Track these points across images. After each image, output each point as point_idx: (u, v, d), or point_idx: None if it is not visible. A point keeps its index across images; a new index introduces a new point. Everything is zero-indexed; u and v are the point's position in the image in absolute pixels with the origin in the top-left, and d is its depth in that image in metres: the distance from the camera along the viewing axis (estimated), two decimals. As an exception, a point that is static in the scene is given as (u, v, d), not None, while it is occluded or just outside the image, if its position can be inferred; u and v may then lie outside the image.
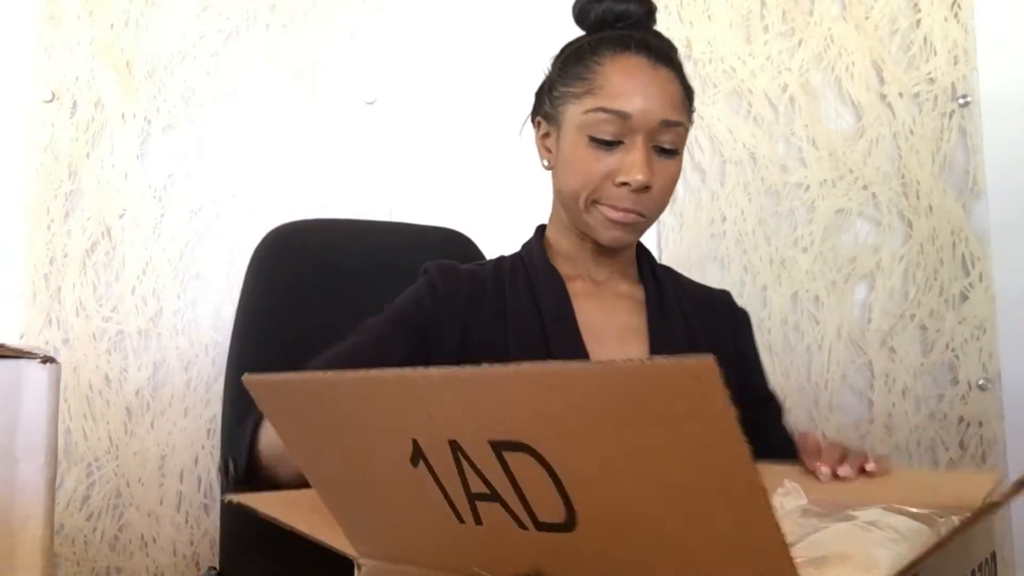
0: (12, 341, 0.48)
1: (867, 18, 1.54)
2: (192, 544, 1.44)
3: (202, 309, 1.49)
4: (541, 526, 0.38)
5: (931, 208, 1.50)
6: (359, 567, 0.48)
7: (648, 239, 1.51)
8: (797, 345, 1.50)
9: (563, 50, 0.95)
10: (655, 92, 0.85)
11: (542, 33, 1.49)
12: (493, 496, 0.39)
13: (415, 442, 0.40)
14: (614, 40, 0.89)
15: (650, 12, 0.94)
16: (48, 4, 1.52)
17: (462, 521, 0.41)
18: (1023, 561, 1.41)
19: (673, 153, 0.87)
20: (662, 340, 0.91)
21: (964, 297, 1.49)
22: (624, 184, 0.85)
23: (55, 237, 1.49)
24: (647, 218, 0.88)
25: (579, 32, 0.94)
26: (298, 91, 1.53)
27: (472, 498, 0.40)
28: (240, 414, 1.10)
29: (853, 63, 1.53)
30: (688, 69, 0.94)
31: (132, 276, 1.49)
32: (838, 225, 1.52)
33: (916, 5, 1.54)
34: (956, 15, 1.53)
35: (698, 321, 0.95)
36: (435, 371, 0.37)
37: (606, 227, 0.88)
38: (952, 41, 1.52)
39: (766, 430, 0.93)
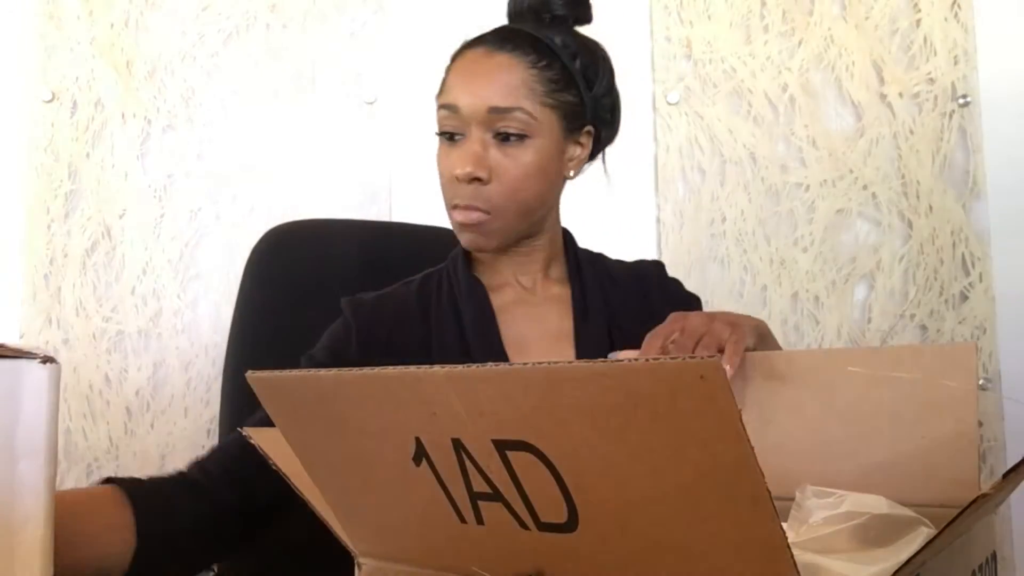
0: (12, 341, 0.48)
1: (867, 18, 1.54)
2: (192, 544, 1.44)
3: (202, 309, 1.49)
4: (543, 526, 0.38)
5: (931, 208, 1.50)
6: (359, 566, 0.48)
7: (648, 239, 1.51)
8: (797, 345, 1.50)
9: None
10: (482, 81, 0.84)
11: (542, 33, 1.49)
12: (495, 496, 0.39)
13: (418, 440, 0.40)
14: (467, 43, 0.90)
15: (574, 2, 0.90)
16: (48, 4, 1.52)
17: (464, 521, 0.41)
18: (1023, 561, 1.41)
19: (520, 138, 0.83)
20: (587, 343, 0.88)
21: (964, 297, 1.49)
22: (456, 179, 0.84)
23: (55, 237, 1.49)
24: (494, 213, 0.84)
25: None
26: (298, 91, 1.53)
27: (474, 497, 0.40)
28: (239, 414, 1.10)
29: (853, 63, 1.53)
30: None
31: (132, 276, 1.49)
32: (838, 225, 1.52)
33: (916, 5, 1.54)
34: (956, 15, 1.53)
35: (626, 312, 0.91)
36: (440, 369, 0.38)
37: (460, 231, 0.86)
38: (952, 41, 1.52)
39: None
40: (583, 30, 0.94)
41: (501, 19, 0.95)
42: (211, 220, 1.51)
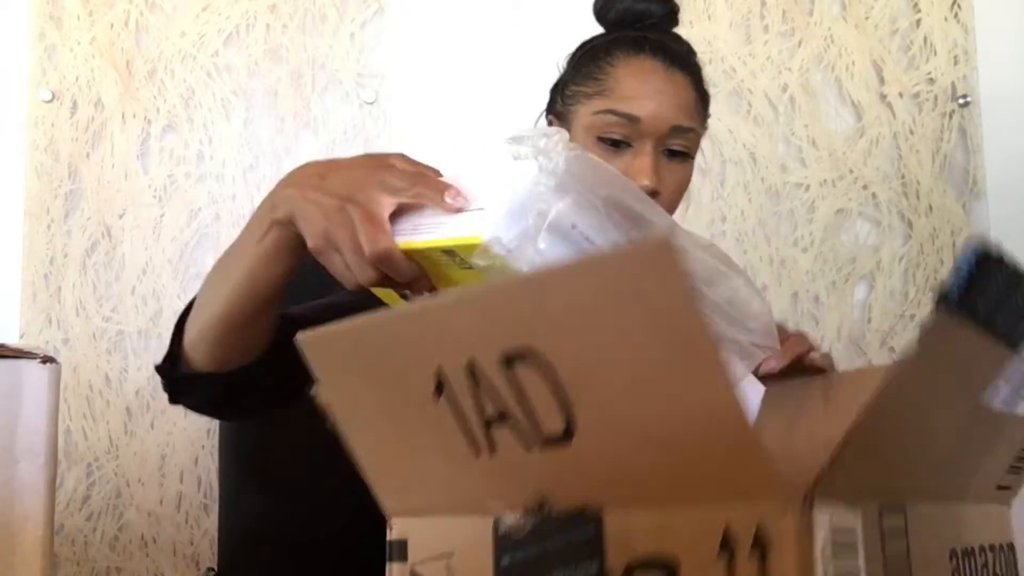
0: (12, 341, 0.49)
1: (867, 18, 1.54)
2: (192, 544, 1.44)
3: (202, 309, 1.49)
4: (545, 442, 0.40)
5: (931, 208, 1.50)
6: (391, 527, 0.50)
7: (648, 239, 1.51)
8: (797, 345, 1.50)
9: (578, 48, 0.93)
10: (667, 97, 0.84)
11: (543, 33, 1.49)
12: (504, 418, 0.41)
13: (438, 372, 0.42)
14: (629, 41, 0.87)
15: (671, 13, 0.93)
16: (48, 4, 1.52)
17: (479, 454, 0.43)
18: (1023, 561, 1.41)
19: (684, 156, 0.86)
20: None
21: (964, 297, 1.49)
22: None
23: (55, 237, 1.49)
24: None
25: (579, 31, 0.94)
26: (298, 91, 1.53)
27: (487, 423, 0.42)
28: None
29: (853, 63, 1.53)
30: (703, 75, 0.94)
31: (132, 276, 1.49)
32: (838, 225, 1.52)
33: (916, 5, 1.54)
34: (956, 15, 1.53)
35: None
36: (453, 292, 0.40)
37: None
38: (952, 41, 1.52)
39: None
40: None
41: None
42: (211, 220, 1.51)
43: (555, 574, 0.41)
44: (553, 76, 0.95)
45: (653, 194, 0.84)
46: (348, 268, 0.57)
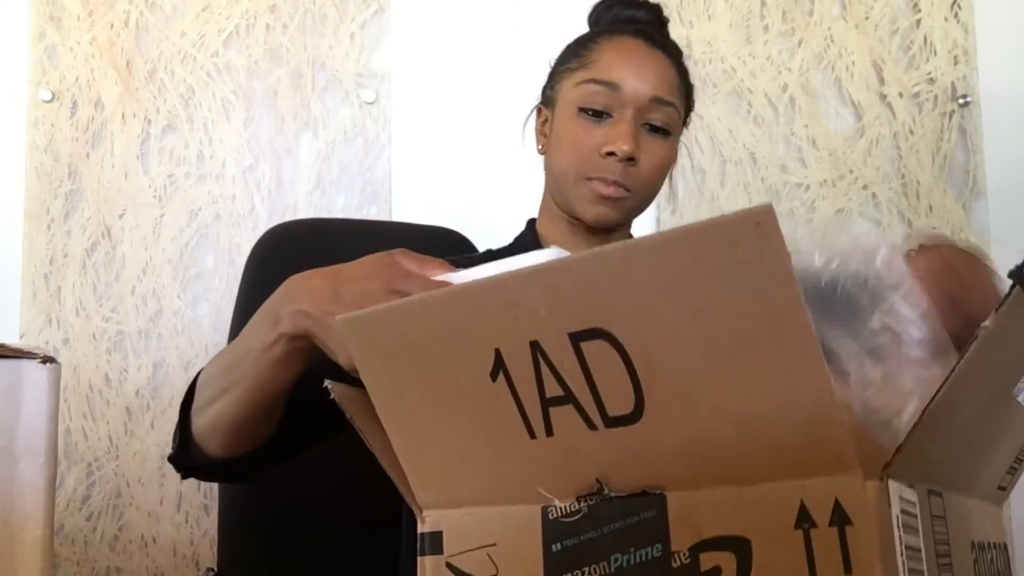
0: (12, 341, 0.49)
1: (867, 18, 1.54)
2: (192, 544, 1.44)
3: (202, 309, 1.49)
4: (610, 421, 0.40)
5: (931, 208, 1.50)
6: (423, 521, 0.49)
7: (648, 239, 1.51)
8: (797, 345, 1.50)
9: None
10: (648, 70, 0.86)
11: (543, 33, 1.49)
12: (567, 398, 0.41)
13: (497, 352, 0.42)
14: (616, 26, 0.90)
15: (659, 20, 0.94)
16: (48, 4, 1.52)
17: (533, 436, 0.42)
18: (1022, 561, 1.41)
19: (664, 133, 0.87)
20: None
21: (964, 297, 1.49)
22: (610, 154, 0.84)
23: (55, 237, 1.49)
24: (633, 194, 0.87)
25: (579, 31, 0.95)
26: (298, 91, 1.53)
27: (546, 404, 0.42)
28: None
29: (853, 63, 1.53)
30: (688, 69, 0.95)
31: (132, 276, 1.49)
32: (838, 225, 1.52)
33: (916, 5, 1.54)
34: (956, 15, 1.53)
35: None
36: (524, 268, 0.40)
37: (592, 203, 0.87)
38: (952, 41, 1.52)
39: None
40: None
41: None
42: (211, 220, 1.51)
43: (613, 559, 0.41)
44: (553, 76, 0.95)
45: (630, 160, 0.84)
46: None
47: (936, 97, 1.52)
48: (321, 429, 0.74)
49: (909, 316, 0.49)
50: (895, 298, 0.49)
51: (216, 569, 1.08)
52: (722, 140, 1.53)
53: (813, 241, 0.56)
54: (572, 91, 0.87)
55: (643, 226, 1.13)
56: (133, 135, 1.51)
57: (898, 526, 0.35)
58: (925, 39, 1.53)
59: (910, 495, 0.37)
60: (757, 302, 0.34)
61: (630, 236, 0.97)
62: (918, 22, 1.53)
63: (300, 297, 0.61)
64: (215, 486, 1.42)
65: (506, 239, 1.02)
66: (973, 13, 1.53)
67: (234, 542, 1.09)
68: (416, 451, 0.48)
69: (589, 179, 0.86)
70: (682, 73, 0.91)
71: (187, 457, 0.75)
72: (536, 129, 0.96)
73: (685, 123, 0.95)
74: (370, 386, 0.47)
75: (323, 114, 1.53)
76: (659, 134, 0.87)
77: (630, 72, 0.85)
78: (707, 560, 0.38)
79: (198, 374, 0.75)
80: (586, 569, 0.41)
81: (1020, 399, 0.44)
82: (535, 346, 0.40)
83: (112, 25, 1.52)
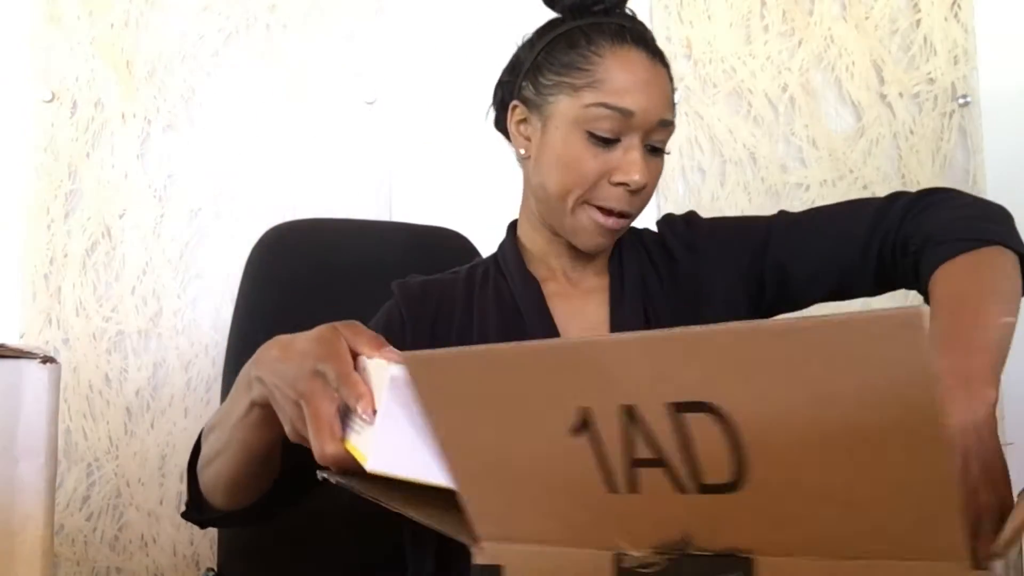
0: (12, 341, 0.49)
1: (867, 18, 1.54)
2: (192, 544, 1.44)
3: (202, 309, 1.50)
4: (703, 488, 0.39)
5: (931, 208, 1.50)
6: (480, 550, 0.48)
7: (648, 239, 1.51)
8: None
9: (547, 30, 0.91)
10: (655, 90, 0.83)
11: (542, 33, 1.49)
12: (658, 462, 0.40)
13: (583, 410, 0.41)
14: (611, 30, 0.85)
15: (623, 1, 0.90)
16: (48, 4, 1.52)
17: (614, 491, 0.42)
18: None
19: (661, 152, 0.86)
20: (621, 329, 0.88)
21: (964, 297, 1.49)
22: (620, 184, 0.82)
23: (55, 237, 1.49)
24: (632, 217, 0.86)
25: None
26: (298, 91, 1.53)
27: (633, 464, 0.41)
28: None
29: (853, 63, 1.53)
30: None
31: (132, 276, 1.49)
32: (838, 225, 1.52)
33: (916, 5, 1.54)
34: (956, 15, 1.53)
35: (660, 291, 0.91)
36: (626, 335, 0.39)
37: (591, 233, 0.85)
38: (952, 41, 1.52)
39: (808, 240, 0.89)
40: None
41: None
42: (211, 220, 1.51)
43: None
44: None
45: (642, 189, 0.83)
46: (305, 445, 0.59)
47: (936, 97, 1.52)
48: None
49: None
50: None
51: (216, 569, 1.08)
52: (722, 140, 1.53)
53: None
54: (577, 110, 0.82)
55: (643, 225, 1.12)
56: (133, 135, 1.51)
57: None
58: (925, 39, 1.53)
59: None
60: (891, 398, 0.34)
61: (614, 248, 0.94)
62: (918, 22, 1.53)
63: (260, 365, 0.63)
64: (215, 486, 1.43)
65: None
66: (973, 13, 1.53)
67: (234, 542, 1.09)
68: (478, 485, 0.47)
69: (591, 204, 0.84)
70: (672, 80, 0.88)
71: (199, 511, 0.78)
72: (511, 127, 0.92)
73: None
74: (434, 422, 0.47)
75: (323, 114, 1.53)
76: (656, 154, 0.85)
77: (642, 96, 0.82)
78: None
79: (201, 431, 0.77)
80: None
81: None
82: (628, 410, 0.39)
83: (112, 25, 1.52)
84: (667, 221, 0.97)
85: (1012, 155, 1.50)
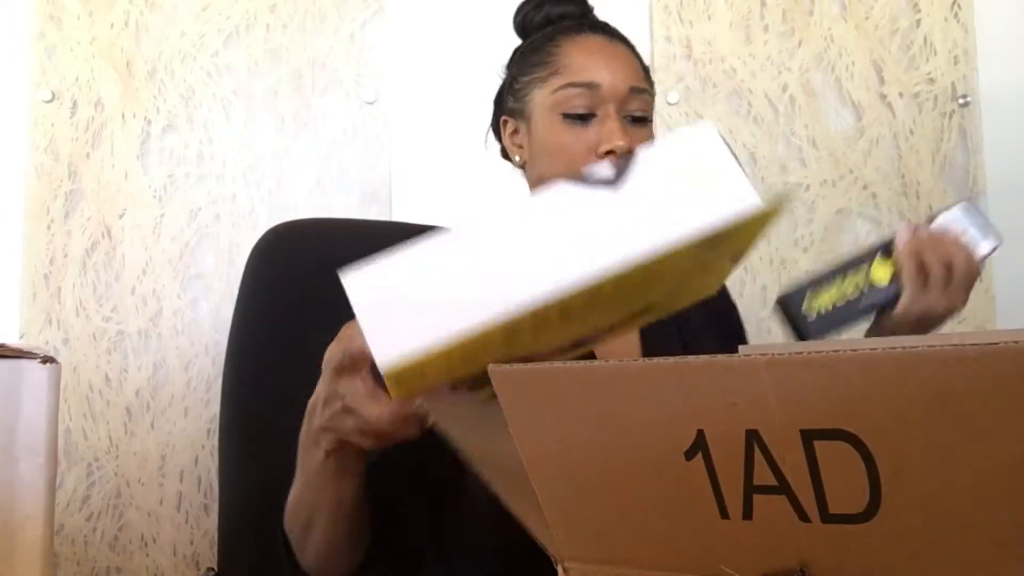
0: (12, 341, 0.49)
1: (867, 18, 1.54)
2: (192, 544, 1.44)
3: (202, 309, 1.49)
4: (829, 518, 0.37)
5: (931, 208, 1.50)
6: (566, 570, 0.47)
7: (648, 239, 1.51)
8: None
9: (517, 51, 0.95)
10: (617, 62, 0.86)
11: (542, 33, 1.49)
12: (780, 488, 0.38)
13: (701, 433, 0.39)
14: (568, 26, 0.89)
15: (587, 12, 0.95)
16: (48, 4, 1.52)
17: (725, 516, 0.40)
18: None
19: (644, 121, 0.87)
20: (652, 329, 0.89)
21: (964, 297, 1.49)
22: (608, 153, 0.83)
23: (55, 237, 1.49)
24: None
25: None
26: (298, 91, 1.53)
27: (751, 491, 0.39)
28: (239, 414, 1.10)
29: (853, 63, 1.53)
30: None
31: (132, 276, 1.49)
32: (838, 225, 1.52)
33: (916, 5, 1.54)
34: (956, 15, 1.53)
35: (694, 309, 0.92)
36: (757, 356, 0.36)
37: None
38: (952, 41, 1.52)
39: None
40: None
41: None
42: (211, 220, 1.51)
43: None
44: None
45: (630, 154, 0.84)
46: (378, 437, 0.61)
47: (936, 97, 1.52)
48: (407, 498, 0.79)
49: None
50: None
51: (216, 569, 1.08)
52: (722, 140, 1.53)
53: None
54: (549, 98, 0.86)
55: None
56: (133, 135, 1.51)
57: None
58: (925, 39, 1.53)
59: None
60: None
61: None
62: (918, 22, 1.53)
63: (309, 417, 0.65)
64: (215, 485, 1.43)
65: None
66: (973, 13, 1.53)
67: (234, 542, 1.09)
68: (568, 506, 0.45)
69: None
70: (641, 60, 0.91)
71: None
72: (505, 142, 0.95)
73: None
74: (519, 435, 0.45)
75: (323, 114, 1.53)
76: (640, 123, 0.87)
77: (604, 68, 0.85)
78: None
79: (282, 523, 0.78)
80: None
81: None
82: (752, 434, 0.38)
83: (112, 25, 1.52)
84: None
85: (1012, 155, 1.50)
